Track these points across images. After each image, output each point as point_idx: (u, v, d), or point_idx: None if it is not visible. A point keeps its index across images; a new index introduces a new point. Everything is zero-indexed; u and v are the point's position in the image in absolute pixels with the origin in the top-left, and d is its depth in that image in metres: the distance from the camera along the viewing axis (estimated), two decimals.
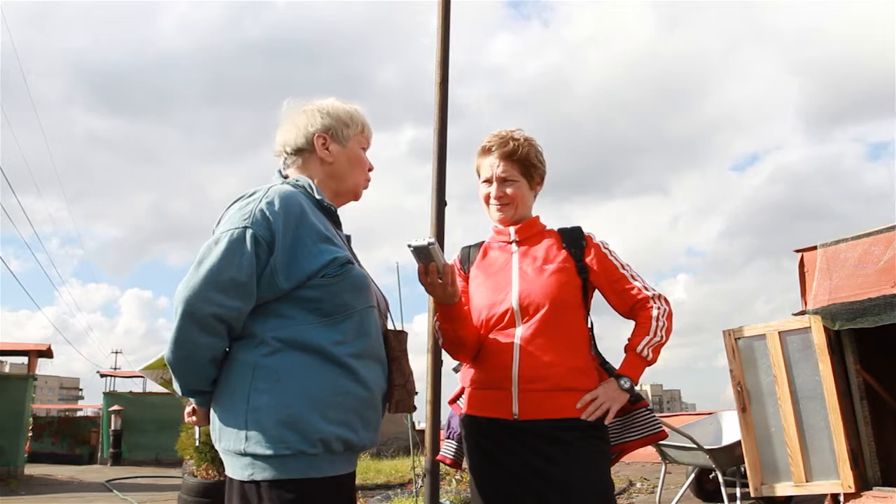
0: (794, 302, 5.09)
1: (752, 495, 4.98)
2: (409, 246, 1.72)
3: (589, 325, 2.00)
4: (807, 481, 4.66)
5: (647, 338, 1.93)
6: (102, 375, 20.41)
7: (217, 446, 1.56)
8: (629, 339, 1.95)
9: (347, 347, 1.55)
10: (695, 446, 5.31)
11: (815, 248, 4.92)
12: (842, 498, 4.59)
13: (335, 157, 1.76)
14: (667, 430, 2.72)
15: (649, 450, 6.46)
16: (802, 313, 4.87)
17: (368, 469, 9.63)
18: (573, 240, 2.03)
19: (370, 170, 1.85)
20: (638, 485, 8.03)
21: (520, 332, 1.90)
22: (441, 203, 4.72)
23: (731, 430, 5.89)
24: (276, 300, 1.55)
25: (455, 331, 1.91)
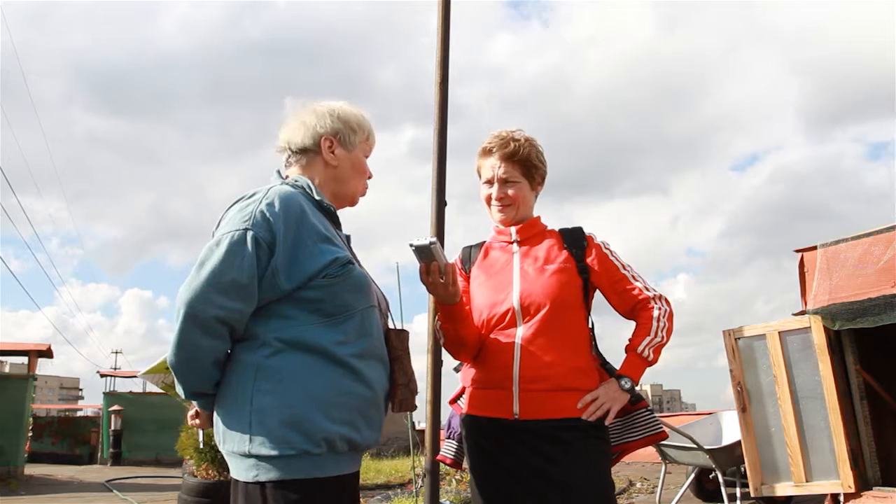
0: (794, 302, 5.10)
1: (752, 495, 4.98)
2: (411, 245, 1.72)
3: (590, 326, 2.00)
4: (807, 481, 4.67)
5: (648, 338, 1.93)
6: (102, 375, 20.43)
7: (221, 448, 1.56)
8: (630, 340, 1.95)
9: (349, 347, 1.56)
10: (695, 446, 5.31)
11: (815, 248, 4.92)
12: (842, 498, 4.59)
13: (340, 161, 1.76)
14: (667, 430, 2.72)
15: (649, 450, 6.46)
16: (802, 313, 4.87)
17: (368, 469, 9.63)
18: (574, 240, 2.03)
19: (369, 177, 1.86)
20: (638, 485, 8.04)
21: (521, 332, 1.90)
22: (441, 203, 4.72)
23: (731, 430, 5.89)
24: (277, 301, 1.55)
25: (456, 330, 1.91)
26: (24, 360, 12.02)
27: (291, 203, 1.57)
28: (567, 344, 1.90)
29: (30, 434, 13.34)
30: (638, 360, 1.93)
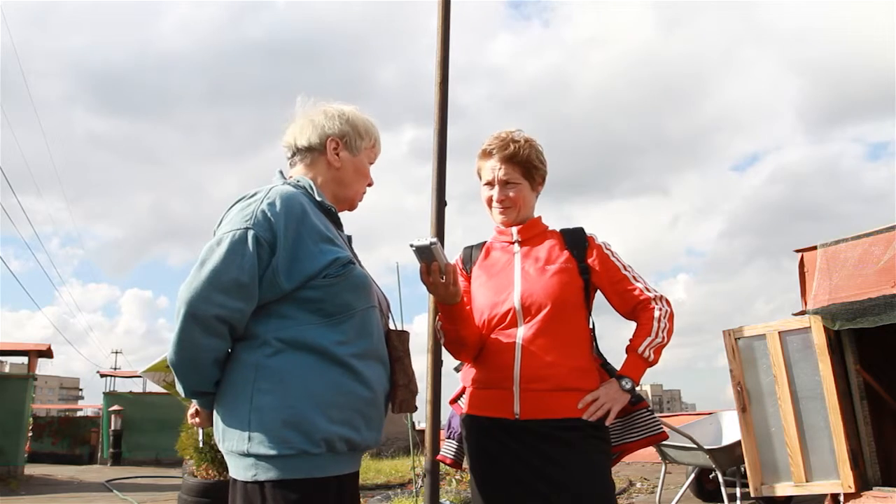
0: (794, 302, 5.10)
1: (752, 495, 4.98)
2: (412, 245, 1.72)
3: (590, 326, 2.00)
4: (807, 481, 4.67)
5: (649, 339, 1.93)
6: (102, 375, 20.42)
7: (220, 447, 1.56)
8: (631, 340, 1.95)
9: (349, 347, 1.56)
10: (695, 446, 5.31)
11: (815, 248, 4.92)
12: (842, 498, 4.59)
13: (343, 163, 1.76)
14: (667, 430, 2.72)
15: (649, 450, 6.46)
16: (802, 313, 4.87)
17: (368, 469, 9.63)
18: (575, 240, 2.03)
19: (370, 185, 1.87)
20: (638, 485, 8.04)
21: (521, 332, 1.90)
22: (441, 203, 4.72)
23: (731, 430, 5.90)
24: (277, 301, 1.55)
25: (457, 331, 1.91)
26: (24, 360, 12.03)
27: (293, 203, 1.57)
28: (568, 344, 1.90)
29: (30, 434, 13.35)
30: (638, 360, 1.93)
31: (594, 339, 2.01)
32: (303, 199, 1.61)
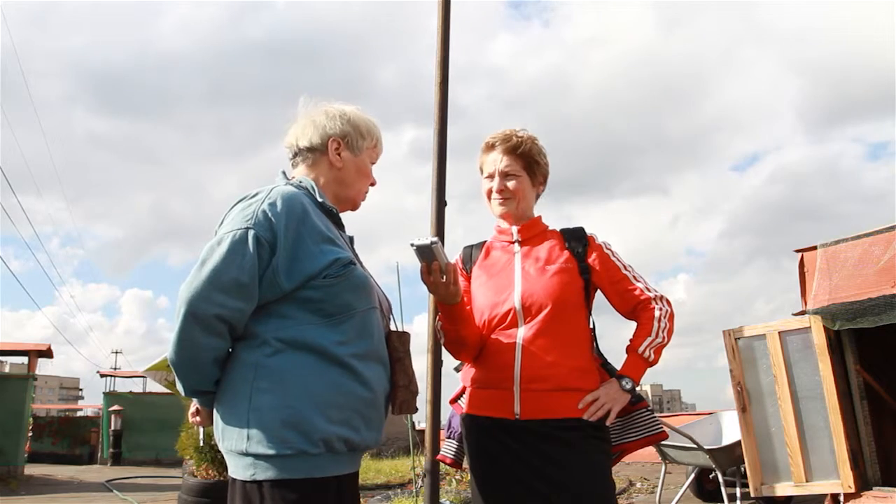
0: (794, 302, 5.10)
1: (752, 495, 4.98)
2: (412, 245, 1.72)
3: (591, 326, 2.00)
4: (807, 481, 4.66)
5: (649, 339, 1.93)
6: (102, 375, 20.42)
7: (220, 446, 1.56)
8: (631, 340, 1.95)
9: (349, 348, 1.56)
10: (695, 446, 5.31)
11: (815, 248, 4.92)
12: (842, 498, 4.59)
13: (345, 163, 1.76)
14: (667, 430, 2.72)
15: (649, 450, 6.46)
16: (802, 313, 4.87)
17: (368, 469, 9.63)
18: (576, 240, 2.03)
19: (372, 184, 1.86)
20: (638, 485, 8.04)
21: (522, 332, 1.90)
22: (441, 203, 4.72)
23: (731, 430, 5.90)
24: (278, 301, 1.55)
25: (457, 330, 1.91)
26: (24, 360, 12.03)
27: (294, 203, 1.57)
28: (568, 344, 1.90)
29: (30, 434, 13.35)
30: (639, 360, 1.93)
31: (594, 338, 2.01)
32: (304, 200, 1.61)
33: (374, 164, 1.85)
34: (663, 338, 1.94)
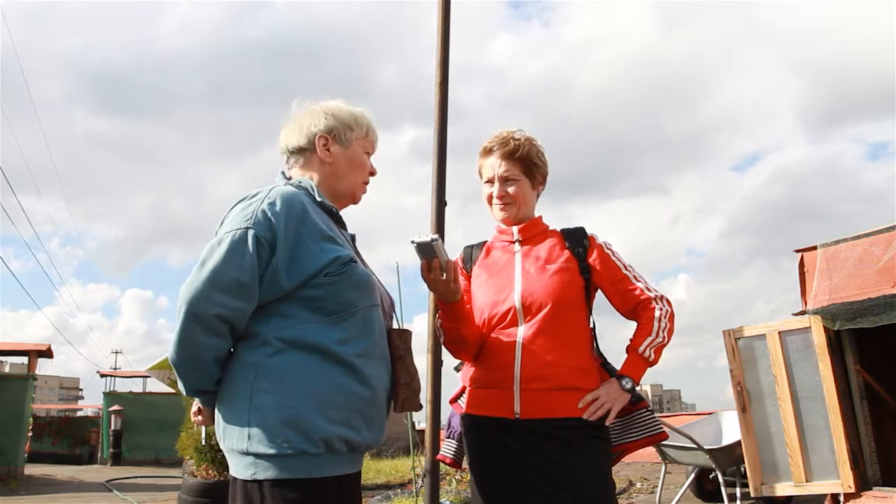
0: (794, 302, 5.10)
1: (752, 495, 4.98)
2: (413, 242, 1.72)
3: (591, 326, 2.00)
4: (807, 481, 4.67)
5: (650, 338, 1.93)
6: (102, 375, 20.42)
7: (221, 445, 1.57)
8: (631, 340, 1.95)
9: (351, 346, 1.56)
10: (695, 446, 5.31)
11: (815, 248, 4.92)
12: (842, 498, 4.59)
13: (335, 157, 1.76)
14: (667, 430, 2.72)
15: (649, 450, 6.46)
16: (802, 313, 4.87)
17: (368, 469, 9.63)
18: (576, 240, 2.03)
19: (372, 174, 1.85)
20: (638, 485, 8.04)
21: (522, 332, 1.90)
22: (441, 203, 4.72)
23: (731, 430, 5.90)
24: (278, 300, 1.55)
25: (457, 329, 1.91)
26: (24, 360, 12.02)
27: (293, 202, 1.57)
28: (568, 343, 1.90)
29: (30, 434, 13.35)
30: (639, 360, 1.93)
31: (594, 338, 2.01)
32: (304, 199, 1.61)
33: (370, 153, 1.84)
34: (663, 337, 1.94)
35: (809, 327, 4.72)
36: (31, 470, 11.62)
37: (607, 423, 1.88)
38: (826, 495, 4.74)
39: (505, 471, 1.87)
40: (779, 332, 4.88)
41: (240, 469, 1.51)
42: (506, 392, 1.88)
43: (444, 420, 2.86)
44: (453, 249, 2.34)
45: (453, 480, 7.62)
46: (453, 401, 2.12)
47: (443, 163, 4.77)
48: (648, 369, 1.96)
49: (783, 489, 4.80)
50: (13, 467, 10.55)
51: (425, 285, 1.83)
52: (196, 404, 1.72)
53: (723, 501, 5.35)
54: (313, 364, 1.52)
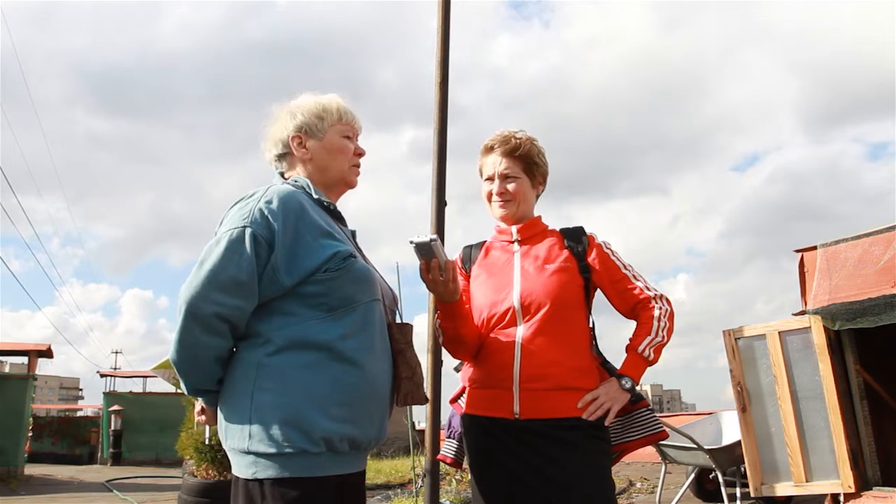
0: (794, 302, 5.10)
1: (752, 495, 4.98)
2: (411, 242, 1.72)
3: (590, 325, 2.00)
4: (807, 481, 4.67)
5: (649, 338, 1.93)
6: (102, 375, 20.41)
7: (223, 444, 1.58)
8: (631, 339, 1.95)
9: (351, 342, 1.56)
10: (695, 446, 5.31)
11: (815, 248, 4.93)
12: (842, 498, 4.59)
13: (313, 152, 1.76)
14: (667, 430, 2.72)
15: (649, 450, 6.46)
16: (802, 313, 4.87)
17: (368, 469, 9.54)
18: (575, 239, 2.03)
19: (359, 155, 1.83)
20: (638, 485, 8.04)
21: (521, 332, 1.90)
22: (441, 203, 4.72)
23: (731, 430, 5.90)
24: (279, 298, 1.56)
25: (456, 329, 1.91)
26: (24, 360, 12.03)
27: (290, 200, 1.58)
28: (567, 343, 1.90)
29: (30, 434, 13.35)
30: (638, 359, 1.93)
31: (594, 338, 2.01)
32: (301, 197, 1.62)
33: (351, 136, 1.81)
34: (663, 337, 1.94)
35: (809, 327, 4.72)
36: (31, 470, 11.63)
37: (607, 423, 1.88)
38: (826, 495, 4.74)
39: (505, 471, 1.87)
40: (779, 332, 4.88)
41: (241, 468, 1.52)
42: (505, 392, 1.88)
43: (444, 420, 2.87)
44: (453, 249, 2.34)
45: (453, 480, 7.62)
46: (453, 401, 2.12)
47: (443, 163, 4.77)
48: (648, 369, 1.96)
49: (783, 489, 4.80)
50: (13, 467, 10.55)
51: (424, 284, 1.83)
52: (199, 404, 1.72)
53: (723, 501, 5.34)
54: (315, 362, 1.52)
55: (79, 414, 30.00)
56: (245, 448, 1.49)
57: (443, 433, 2.43)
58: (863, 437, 4.61)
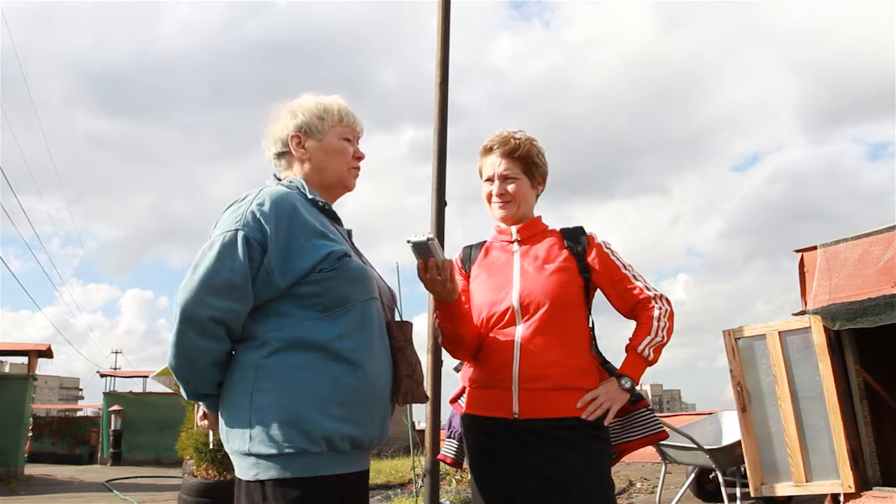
0: (794, 302, 5.10)
1: (752, 495, 4.98)
2: (409, 242, 1.72)
3: (590, 325, 2.00)
4: (807, 481, 4.67)
5: (649, 338, 1.93)
6: (102, 375, 20.44)
7: (225, 447, 1.58)
8: (630, 339, 1.95)
9: (349, 341, 1.56)
10: (695, 446, 5.31)
11: (815, 248, 4.92)
12: (842, 498, 4.59)
13: (311, 152, 1.76)
14: (667, 430, 2.72)
15: (649, 450, 6.46)
16: (802, 313, 4.87)
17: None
18: (575, 239, 2.03)
19: (358, 158, 1.83)
20: (638, 485, 8.04)
21: (520, 331, 1.90)
22: (441, 203, 4.72)
23: (731, 430, 5.89)
24: (275, 299, 1.56)
25: (455, 328, 1.91)
26: (24, 360, 12.03)
27: (282, 202, 1.58)
28: (567, 343, 1.90)
29: (30, 434, 13.35)
30: (638, 359, 1.93)
31: (593, 337, 2.01)
32: (294, 198, 1.61)
33: (351, 138, 1.81)
34: (663, 337, 1.94)
35: (809, 327, 4.72)
36: (31, 470, 11.63)
37: (606, 423, 1.88)
38: (826, 495, 4.74)
39: (505, 471, 1.87)
40: (779, 332, 4.88)
41: (243, 470, 1.52)
42: (504, 392, 1.88)
43: (444, 420, 2.87)
44: (453, 249, 2.34)
45: (453, 480, 7.62)
46: (453, 401, 2.12)
47: (443, 163, 4.77)
48: (648, 369, 1.96)
49: (783, 489, 4.80)
50: (13, 467, 10.55)
51: (422, 284, 1.83)
52: (201, 409, 1.72)
53: (723, 501, 5.34)
54: (313, 362, 1.52)
55: (79, 414, 30.00)
56: (246, 450, 1.49)
57: (443, 433, 2.43)
58: (863, 437, 4.61)
